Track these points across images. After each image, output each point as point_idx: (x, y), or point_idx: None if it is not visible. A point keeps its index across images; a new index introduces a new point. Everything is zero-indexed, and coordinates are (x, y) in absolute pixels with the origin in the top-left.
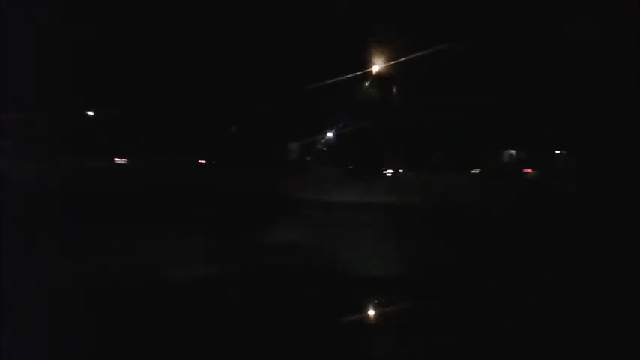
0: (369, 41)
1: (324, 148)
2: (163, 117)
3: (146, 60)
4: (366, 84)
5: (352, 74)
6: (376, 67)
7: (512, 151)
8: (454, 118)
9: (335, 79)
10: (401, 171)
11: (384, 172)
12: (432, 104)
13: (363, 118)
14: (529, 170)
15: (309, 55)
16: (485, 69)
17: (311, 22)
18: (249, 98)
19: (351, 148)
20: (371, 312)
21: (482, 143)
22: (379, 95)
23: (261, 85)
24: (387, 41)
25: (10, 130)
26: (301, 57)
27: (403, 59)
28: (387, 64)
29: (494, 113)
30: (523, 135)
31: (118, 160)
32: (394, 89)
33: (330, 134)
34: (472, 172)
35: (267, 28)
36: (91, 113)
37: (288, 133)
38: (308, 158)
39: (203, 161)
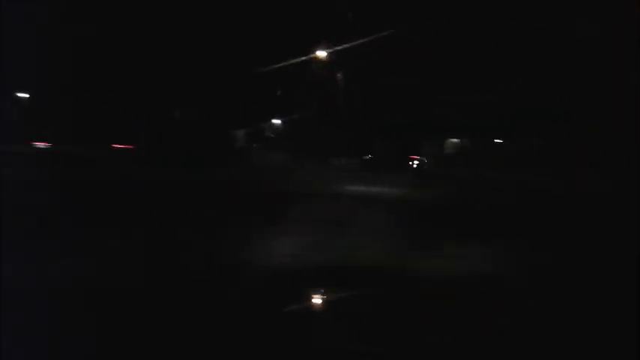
0: (317, 26)
1: (273, 135)
2: (96, 101)
3: (80, 41)
4: (315, 69)
5: (300, 59)
6: (324, 53)
7: (456, 140)
8: (401, 107)
9: (283, 64)
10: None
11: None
12: (379, 92)
13: (312, 105)
14: (415, 157)
15: (258, 40)
16: (432, 58)
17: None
18: (192, 83)
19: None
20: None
21: (424, 133)
22: (328, 81)
23: (207, 70)
24: (335, 26)
25: None
26: (250, 41)
27: (351, 44)
28: (336, 49)
29: (437, 103)
30: (465, 124)
31: (39, 144)
32: (341, 75)
33: (278, 121)
34: (364, 157)
35: (213, 11)
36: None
37: (235, 120)
38: (256, 145)
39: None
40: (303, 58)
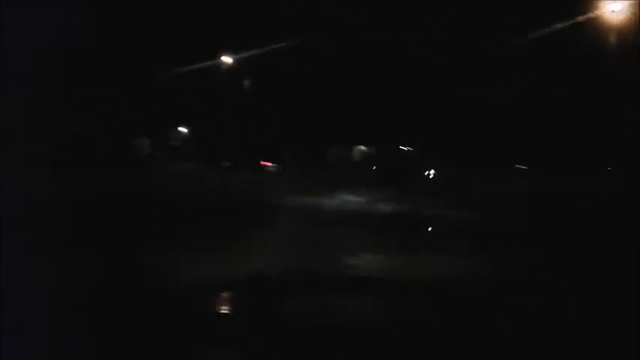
0: (222, 32)
1: (177, 144)
2: None
3: None
4: (220, 76)
5: (206, 64)
6: (228, 59)
7: (363, 147)
8: (306, 114)
9: (188, 69)
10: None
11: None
12: (283, 98)
13: (219, 113)
14: (268, 163)
15: (163, 45)
16: (335, 64)
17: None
18: (92, 88)
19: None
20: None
21: (329, 139)
22: (232, 88)
23: (106, 75)
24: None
25: None
26: (154, 46)
27: (257, 52)
28: (241, 55)
29: (343, 109)
30: (370, 131)
31: None
32: (246, 82)
33: (183, 129)
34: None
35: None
36: None
37: (138, 128)
38: (159, 154)
39: None
40: (210, 63)
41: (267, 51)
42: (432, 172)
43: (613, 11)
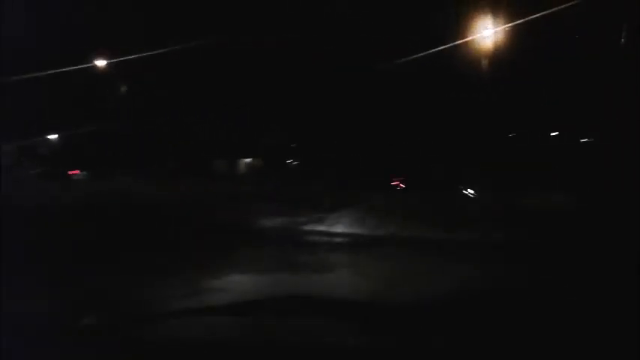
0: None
1: (47, 153)
2: None
3: None
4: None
5: (80, 66)
6: (104, 62)
7: (248, 159)
8: (193, 121)
9: (55, 70)
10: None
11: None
12: (161, 105)
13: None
14: (75, 172)
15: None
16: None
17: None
18: None
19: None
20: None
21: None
22: (109, 92)
23: None
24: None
25: None
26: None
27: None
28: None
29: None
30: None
31: None
32: (123, 88)
33: (55, 136)
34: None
35: None
36: None
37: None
38: (27, 162)
39: None
40: (84, 65)
41: (144, 56)
42: (469, 190)
43: (484, 37)
